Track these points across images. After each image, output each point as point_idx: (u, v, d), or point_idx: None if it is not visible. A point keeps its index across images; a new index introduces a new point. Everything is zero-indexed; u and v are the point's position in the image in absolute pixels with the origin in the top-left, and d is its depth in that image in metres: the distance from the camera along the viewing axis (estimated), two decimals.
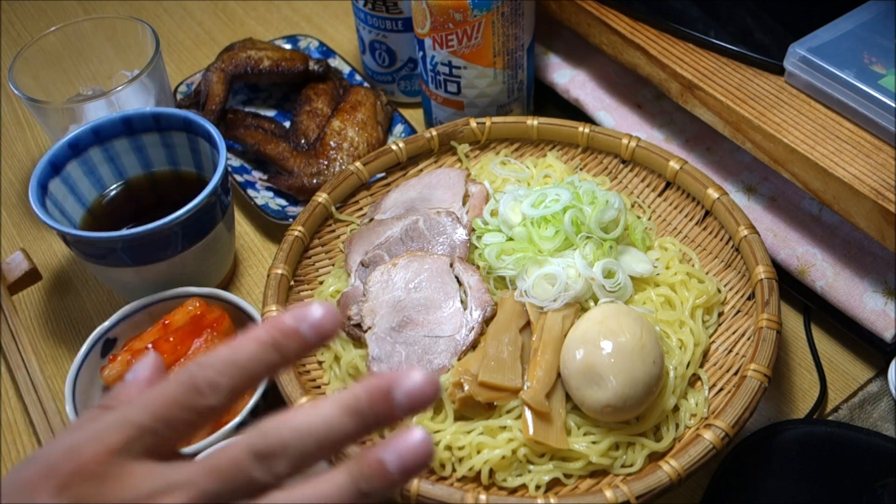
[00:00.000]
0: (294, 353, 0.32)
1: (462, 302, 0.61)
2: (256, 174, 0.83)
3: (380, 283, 0.62)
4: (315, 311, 0.32)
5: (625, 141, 0.71)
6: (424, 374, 0.32)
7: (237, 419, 0.58)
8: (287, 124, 0.87)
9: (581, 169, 0.74)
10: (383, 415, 0.32)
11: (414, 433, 0.31)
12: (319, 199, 0.70)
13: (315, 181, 0.78)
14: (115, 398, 0.35)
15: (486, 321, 0.60)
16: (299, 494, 0.31)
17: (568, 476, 0.55)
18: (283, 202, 0.80)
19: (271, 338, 0.32)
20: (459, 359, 0.58)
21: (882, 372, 0.66)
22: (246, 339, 0.32)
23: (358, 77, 0.91)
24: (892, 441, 0.59)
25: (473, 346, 0.59)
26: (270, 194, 0.81)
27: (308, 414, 0.31)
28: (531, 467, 0.55)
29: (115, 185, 0.72)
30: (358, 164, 0.72)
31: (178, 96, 0.89)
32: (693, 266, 0.65)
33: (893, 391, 0.60)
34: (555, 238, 0.61)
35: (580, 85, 0.82)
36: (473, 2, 0.71)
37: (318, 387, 0.61)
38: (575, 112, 0.83)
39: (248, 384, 0.32)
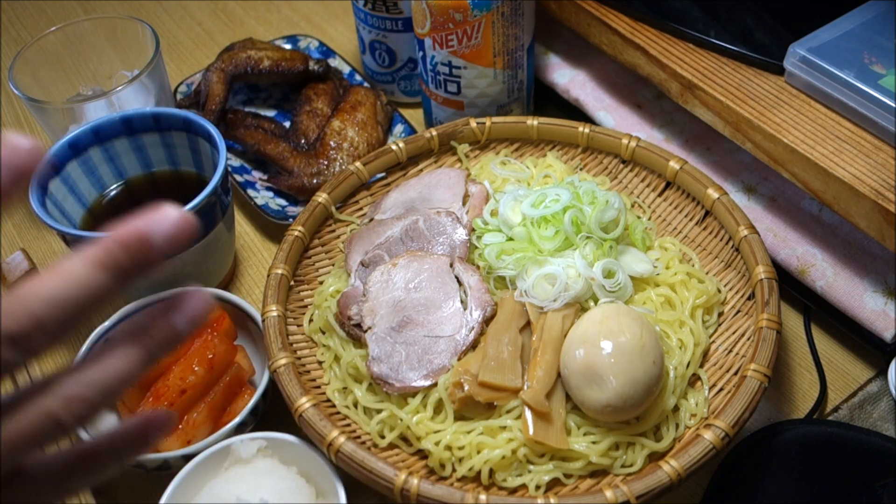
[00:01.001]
0: (137, 271, 0.30)
1: (462, 302, 0.61)
2: (256, 174, 0.83)
3: (380, 283, 0.62)
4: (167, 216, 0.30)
5: (625, 141, 0.71)
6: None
7: (237, 419, 0.58)
8: (287, 124, 0.87)
9: (581, 169, 0.74)
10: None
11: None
12: (319, 199, 0.70)
13: (315, 181, 0.78)
14: None
15: (486, 321, 0.60)
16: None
17: (568, 476, 0.55)
18: (283, 202, 0.80)
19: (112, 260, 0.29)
20: (459, 359, 0.58)
21: (882, 372, 0.66)
22: (77, 262, 0.29)
23: (358, 77, 0.91)
24: (892, 441, 0.59)
25: (473, 346, 0.59)
26: (270, 194, 0.81)
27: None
28: (531, 467, 0.55)
29: (115, 185, 0.72)
30: (358, 164, 0.72)
31: (178, 96, 0.89)
32: (693, 266, 0.65)
33: (893, 391, 0.60)
34: (555, 238, 0.61)
35: (580, 85, 0.82)
36: (473, 2, 0.71)
37: (318, 387, 0.61)
38: (575, 112, 0.83)
39: (76, 323, 0.29)
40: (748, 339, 0.60)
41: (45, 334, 0.28)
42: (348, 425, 0.59)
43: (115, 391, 0.31)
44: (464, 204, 0.69)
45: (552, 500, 0.51)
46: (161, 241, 0.30)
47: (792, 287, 0.69)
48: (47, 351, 0.29)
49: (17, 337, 0.28)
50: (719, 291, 0.64)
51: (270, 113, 0.90)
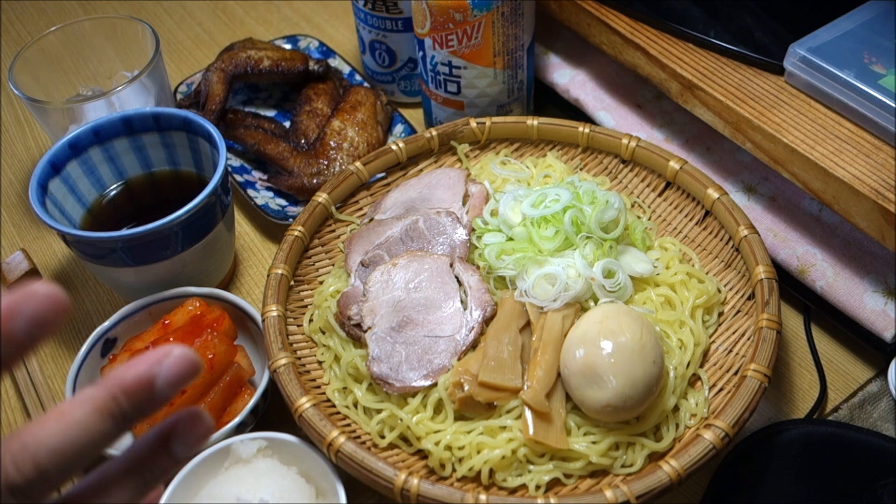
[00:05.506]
0: (139, 416, 0.30)
1: (462, 302, 0.61)
2: (256, 174, 0.83)
3: (380, 283, 0.62)
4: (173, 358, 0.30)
5: (625, 141, 0.71)
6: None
7: (237, 419, 0.58)
8: (287, 124, 0.87)
9: (581, 169, 0.74)
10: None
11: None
12: (319, 199, 0.70)
13: (315, 181, 0.78)
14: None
15: (486, 321, 0.60)
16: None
17: (568, 476, 0.55)
18: (283, 202, 0.80)
19: (115, 404, 0.30)
20: (459, 359, 0.58)
21: (882, 372, 0.66)
22: (80, 408, 0.29)
23: (358, 77, 0.91)
24: (892, 441, 0.59)
25: (473, 346, 0.59)
26: (270, 194, 0.81)
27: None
28: (531, 467, 0.55)
29: (115, 185, 0.72)
30: (358, 164, 0.72)
31: (178, 96, 0.89)
32: (693, 266, 0.65)
33: (893, 391, 0.60)
34: (555, 238, 0.61)
35: (580, 85, 0.82)
36: (473, 2, 0.71)
37: (318, 387, 0.61)
38: (575, 112, 0.83)
39: (77, 471, 0.30)
40: (748, 339, 0.60)
41: (46, 483, 0.29)
42: (348, 425, 0.59)
43: (82, 459, 0.30)
44: (464, 204, 0.69)
45: (552, 500, 0.51)
46: (164, 384, 0.30)
47: (792, 287, 0.69)
48: (47, 497, 0.29)
49: (20, 487, 0.28)
50: (719, 291, 0.64)
51: (270, 113, 0.90)
